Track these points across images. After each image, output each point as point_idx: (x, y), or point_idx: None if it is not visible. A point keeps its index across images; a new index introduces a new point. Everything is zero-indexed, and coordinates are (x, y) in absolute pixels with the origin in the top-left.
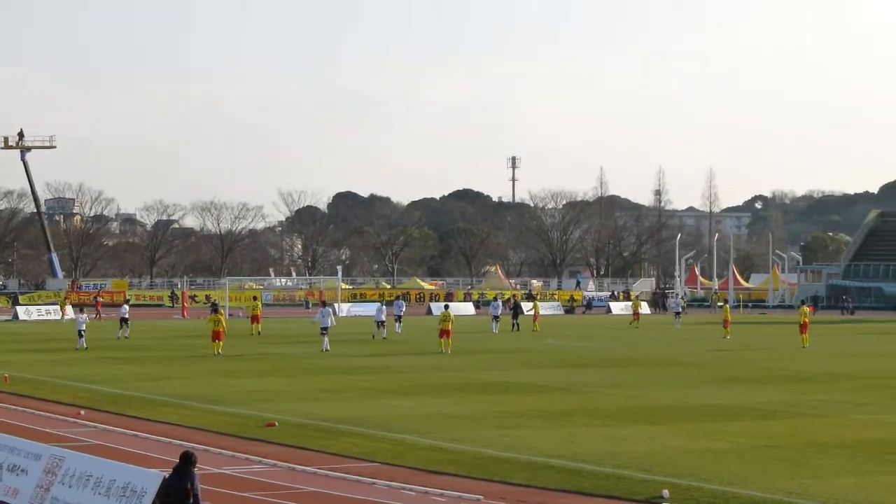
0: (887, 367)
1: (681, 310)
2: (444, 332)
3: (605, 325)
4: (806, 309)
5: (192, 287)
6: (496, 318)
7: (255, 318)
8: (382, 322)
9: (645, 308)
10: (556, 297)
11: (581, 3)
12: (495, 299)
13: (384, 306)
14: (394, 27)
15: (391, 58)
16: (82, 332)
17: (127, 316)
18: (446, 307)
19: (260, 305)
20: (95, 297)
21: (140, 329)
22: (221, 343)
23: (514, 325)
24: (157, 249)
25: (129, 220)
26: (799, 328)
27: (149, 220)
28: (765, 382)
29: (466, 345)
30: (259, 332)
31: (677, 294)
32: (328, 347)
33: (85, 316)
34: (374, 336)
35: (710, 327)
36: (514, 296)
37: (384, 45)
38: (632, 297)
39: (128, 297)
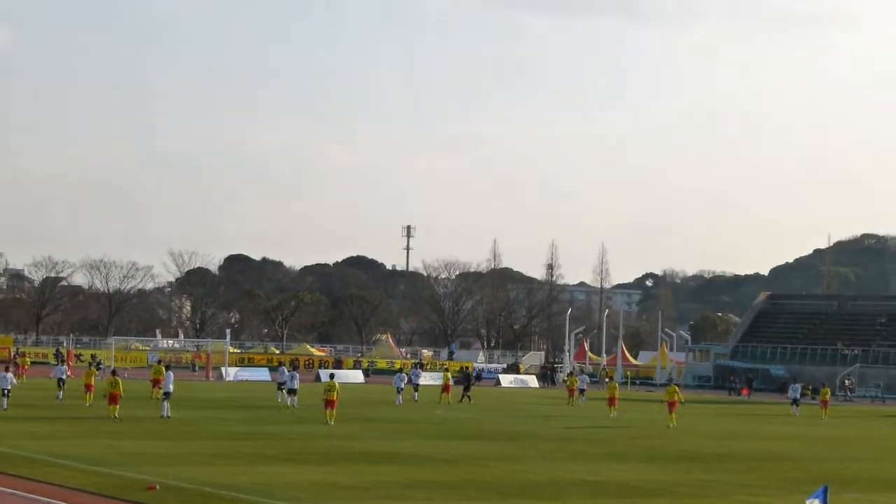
0: (771, 448)
1: (585, 386)
2: (328, 403)
3: (493, 397)
4: (675, 388)
5: (78, 346)
6: (400, 389)
7: (155, 382)
8: (294, 390)
9: (534, 381)
10: (445, 366)
11: (476, 77)
12: (400, 370)
13: (297, 374)
14: (291, 92)
15: (287, 122)
16: (6, 392)
17: (64, 377)
18: (332, 376)
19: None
20: (15, 357)
21: (22, 387)
22: (118, 406)
23: (464, 396)
24: (43, 306)
25: (16, 276)
26: (667, 407)
27: (37, 277)
28: (649, 461)
29: (355, 413)
30: (155, 397)
31: (581, 369)
32: (168, 413)
33: (10, 375)
34: (292, 406)
35: (597, 403)
36: (465, 367)
37: (280, 109)
38: (567, 376)
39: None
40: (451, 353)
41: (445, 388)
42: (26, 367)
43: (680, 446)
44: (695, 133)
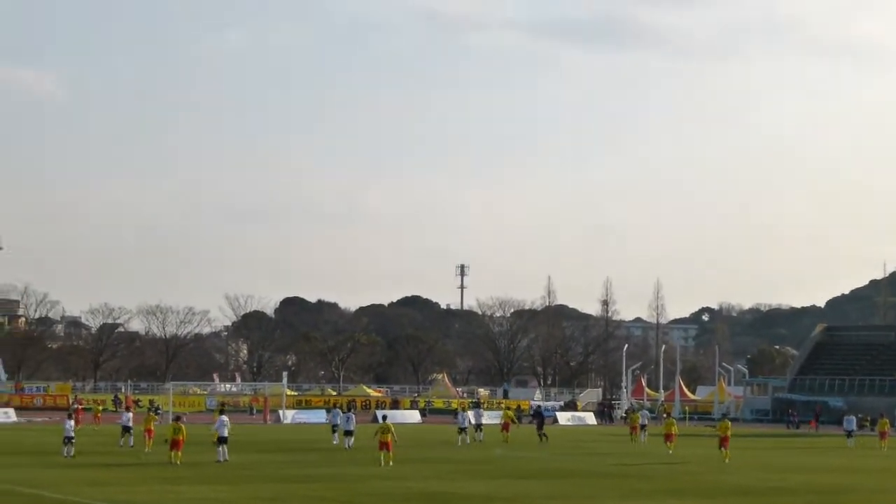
0: (830, 481)
1: (647, 422)
2: (383, 445)
3: (551, 435)
4: (727, 423)
5: (136, 391)
6: (463, 429)
7: None
8: (350, 431)
9: (592, 419)
10: (502, 405)
11: (528, 113)
12: (462, 410)
13: (352, 415)
14: (343, 132)
15: (340, 162)
16: (70, 440)
17: (130, 424)
18: (384, 418)
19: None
20: (73, 404)
21: (82, 433)
22: (180, 452)
23: (540, 436)
24: (101, 353)
25: (73, 323)
26: (719, 442)
27: (94, 323)
28: (708, 496)
29: (413, 453)
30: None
31: (641, 405)
32: (226, 457)
33: (72, 422)
34: (348, 447)
35: (655, 440)
36: (538, 405)
37: (332, 149)
38: (627, 412)
39: (79, 400)
40: (505, 392)
41: (505, 426)
42: (98, 414)
43: (738, 480)
44: (748, 165)
